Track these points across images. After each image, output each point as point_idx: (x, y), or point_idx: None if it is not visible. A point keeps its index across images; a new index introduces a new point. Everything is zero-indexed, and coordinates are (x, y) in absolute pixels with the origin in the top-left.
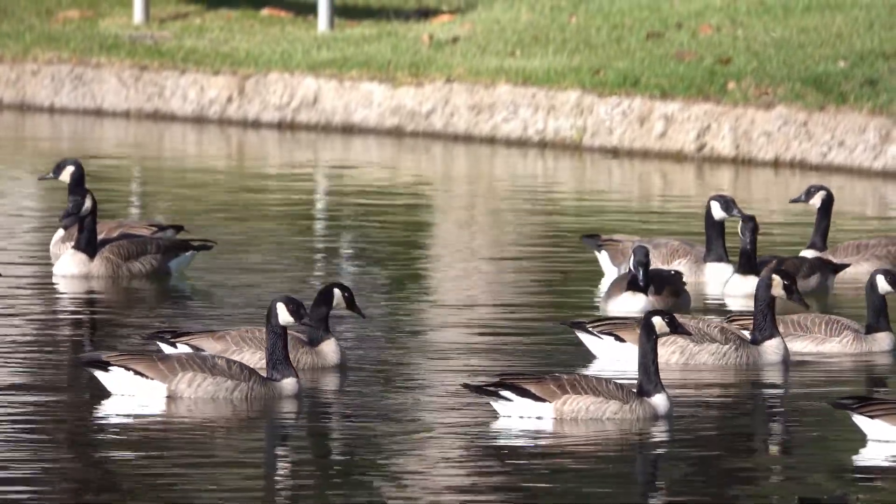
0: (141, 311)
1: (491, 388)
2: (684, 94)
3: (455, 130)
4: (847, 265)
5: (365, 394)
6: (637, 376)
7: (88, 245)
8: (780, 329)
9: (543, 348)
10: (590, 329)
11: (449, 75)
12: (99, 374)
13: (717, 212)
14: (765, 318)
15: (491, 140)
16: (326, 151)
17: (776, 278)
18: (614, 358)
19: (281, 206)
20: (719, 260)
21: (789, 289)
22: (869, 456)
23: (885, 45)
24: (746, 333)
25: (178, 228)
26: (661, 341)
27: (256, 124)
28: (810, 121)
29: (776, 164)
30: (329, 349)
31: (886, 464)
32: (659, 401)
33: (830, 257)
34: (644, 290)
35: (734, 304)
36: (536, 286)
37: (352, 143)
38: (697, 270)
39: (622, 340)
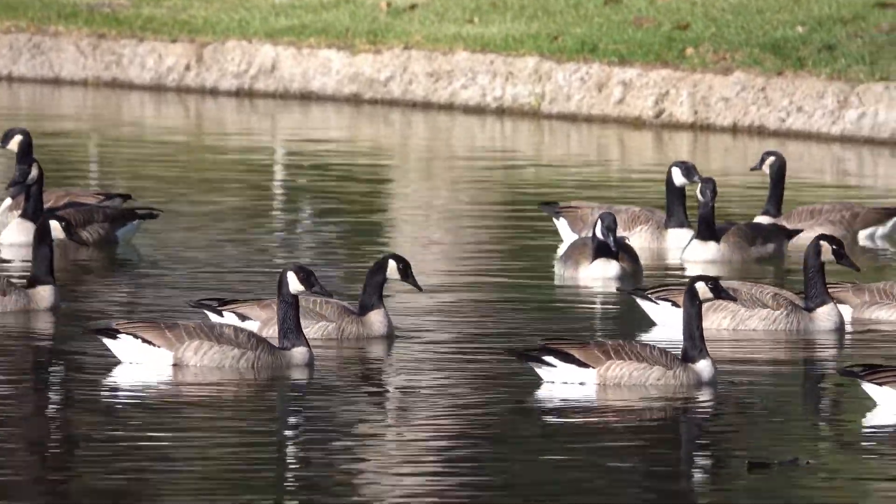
0: (89, 280)
1: (534, 354)
2: (642, 60)
3: (413, 98)
4: (801, 231)
5: (390, 364)
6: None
7: (35, 214)
8: (866, 297)
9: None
10: (648, 296)
11: (407, 42)
12: (108, 341)
13: (678, 178)
14: (815, 284)
15: (449, 107)
16: (284, 119)
17: (824, 244)
18: (672, 324)
19: (238, 175)
20: (681, 226)
21: (838, 253)
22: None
23: (842, 11)
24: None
25: (126, 197)
26: (711, 307)
27: (214, 92)
28: (768, 86)
29: (734, 129)
30: (377, 319)
31: None
32: (703, 367)
33: (784, 223)
34: (616, 257)
35: (693, 270)
36: (496, 256)
37: (310, 111)
38: (659, 236)
39: (679, 306)
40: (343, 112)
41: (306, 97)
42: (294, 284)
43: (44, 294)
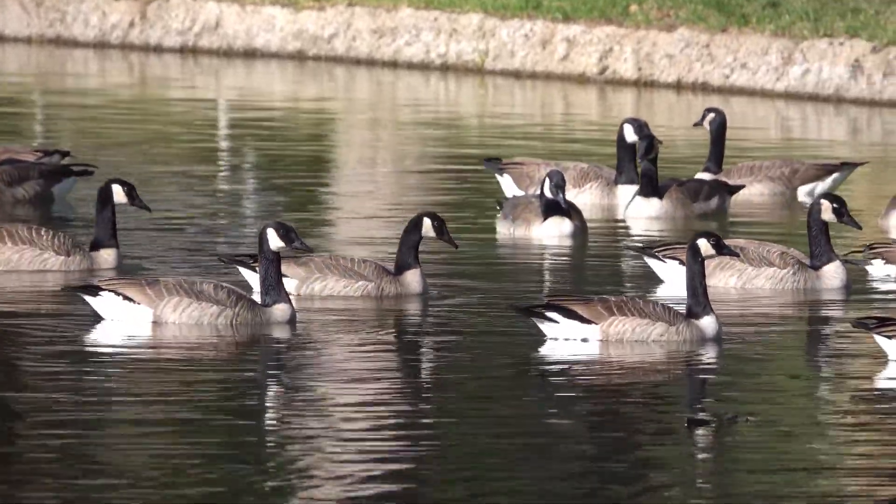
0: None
1: (538, 310)
2: (586, 16)
3: (357, 54)
4: (742, 186)
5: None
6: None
7: None
8: None
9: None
10: (655, 254)
11: None
12: (89, 298)
13: (630, 135)
14: (819, 243)
15: (393, 64)
16: (228, 76)
17: (825, 202)
18: (679, 282)
19: (182, 133)
20: (631, 182)
21: (839, 212)
22: None
23: None
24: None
25: (64, 154)
26: (719, 265)
27: (158, 49)
28: (712, 43)
29: (678, 86)
30: (413, 278)
31: None
32: (707, 323)
33: (725, 179)
34: (568, 214)
35: (636, 226)
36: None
37: (254, 68)
38: (610, 193)
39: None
40: (287, 69)
41: (250, 54)
42: (274, 241)
43: (107, 257)
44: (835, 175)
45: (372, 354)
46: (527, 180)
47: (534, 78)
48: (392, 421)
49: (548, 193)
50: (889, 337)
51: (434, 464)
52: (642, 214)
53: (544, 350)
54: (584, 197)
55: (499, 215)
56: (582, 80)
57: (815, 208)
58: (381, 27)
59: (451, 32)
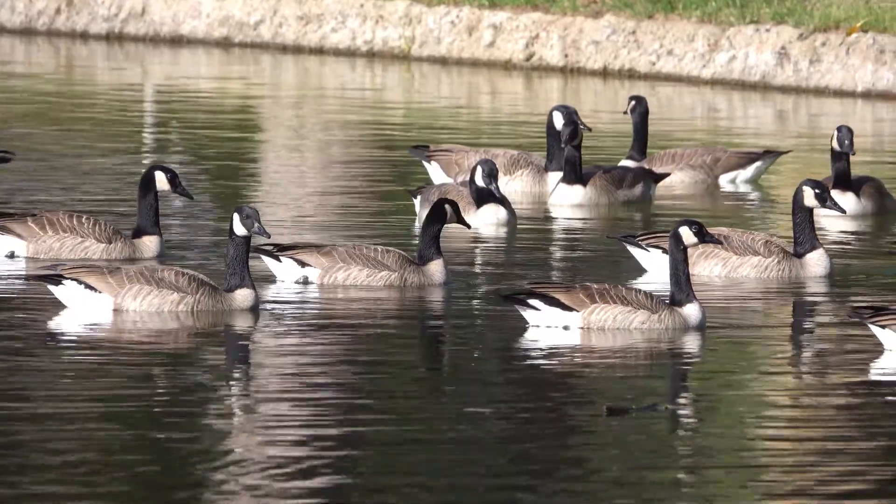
0: None
1: (520, 297)
2: (513, 3)
3: (283, 41)
4: (667, 174)
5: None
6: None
7: None
8: None
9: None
10: (638, 242)
11: None
12: (52, 287)
13: (559, 122)
14: (803, 230)
15: (319, 50)
16: (155, 63)
17: (807, 188)
18: (661, 271)
19: (108, 120)
20: (562, 169)
21: (821, 197)
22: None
23: None
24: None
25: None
26: (703, 254)
27: (85, 36)
28: (639, 29)
29: (605, 73)
30: (436, 269)
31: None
32: (690, 310)
33: (648, 166)
34: (502, 202)
35: (560, 213)
36: (364, 198)
37: (180, 55)
38: (540, 180)
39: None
40: (213, 56)
41: (176, 41)
42: (238, 226)
43: (149, 244)
44: (757, 163)
45: (328, 346)
46: (455, 168)
47: (460, 64)
48: (332, 410)
49: (480, 182)
50: (884, 326)
51: (361, 463)
52: (566, 202)
53: (520, 337)
54: (515, 184)
55: (416, 202)
56: (508, 66)
57: (798, 195)
58: (307, 14)
59: (378, 19)
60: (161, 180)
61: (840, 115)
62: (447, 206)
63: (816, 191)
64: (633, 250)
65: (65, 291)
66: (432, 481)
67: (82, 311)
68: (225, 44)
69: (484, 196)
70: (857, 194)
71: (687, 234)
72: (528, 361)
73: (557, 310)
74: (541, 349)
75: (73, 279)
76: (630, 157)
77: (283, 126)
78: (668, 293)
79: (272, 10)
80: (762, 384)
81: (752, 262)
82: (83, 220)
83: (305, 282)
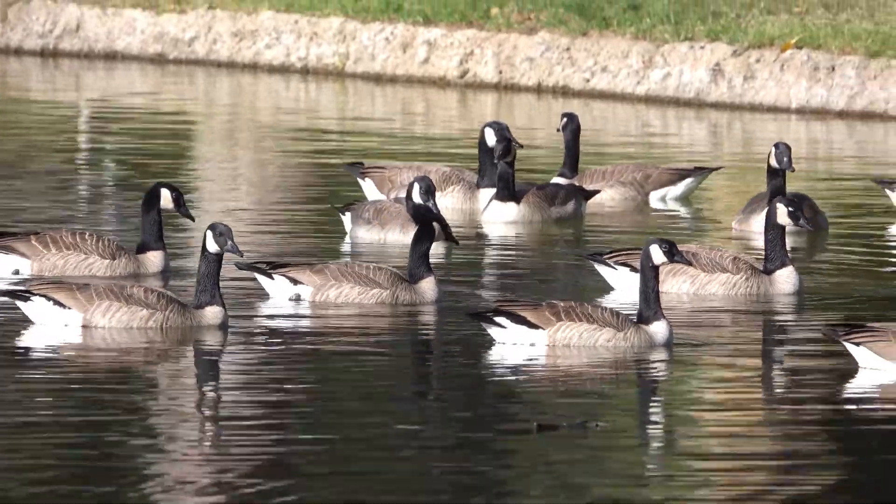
0: None
1: (487, 315)
2: (447, 20)
3: (218, 57)
4: (598, 191)
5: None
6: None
7: None
8: None
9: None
10: (606, 261)
11: (211, 2)
12: (20, 303)
13: (491, 138)
14: (775, 247)
15: (254, 67)
16: (89, 79)
17: (780, 206)
18: (630, 289)
19: (42, 136)
20: (493, 185)
21: (794, 215)
22: (858, 385)
23: None
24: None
25: None
26: (671, 271)
27: (19, 52)
28: (573, 46)
29: (539, 89)
30: (428, 286)
31: (872, 392)
32: (657, 328)
33: (578, 183)
34: (439, 220)
35: (493, 230)
36: (300, 219)
37: (115, 71)
38: (472, 196)
39: (637, 271)
40: (147, 72)
41: (111, 57)
42: (211, 244)
43: (153, 259)
44: (688, 180)
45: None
46: (388, 184)
47: (394, 81)
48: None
49: (417, 199)
50: (858, 344)
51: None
52: (499, 219)
53: (485, 355)
54: (447, 200)
55: (345, 219)
56: (443, 83)
57: (771, 212)
58: (241, 30)
59: (312, 35)
60: (166, 198)
61: (774, 131)
62: (435, 225)
63: (790, 209)
64: (602, 269)
65: (33, 308)
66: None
67: (50, 328)
68: (159, 60)
69: (422, 213)
70: None
71: (656, 253)
72: (488, 378)
73: (524, 328)
74: (501, 367)
75: (41, 295)
76: (561, 174)
77: (217, 142)
78: (636, 311)
79: (206, 26)
80: (709, 402)
81: (720, 279)
82: (86, 236)
83: (298, 299)
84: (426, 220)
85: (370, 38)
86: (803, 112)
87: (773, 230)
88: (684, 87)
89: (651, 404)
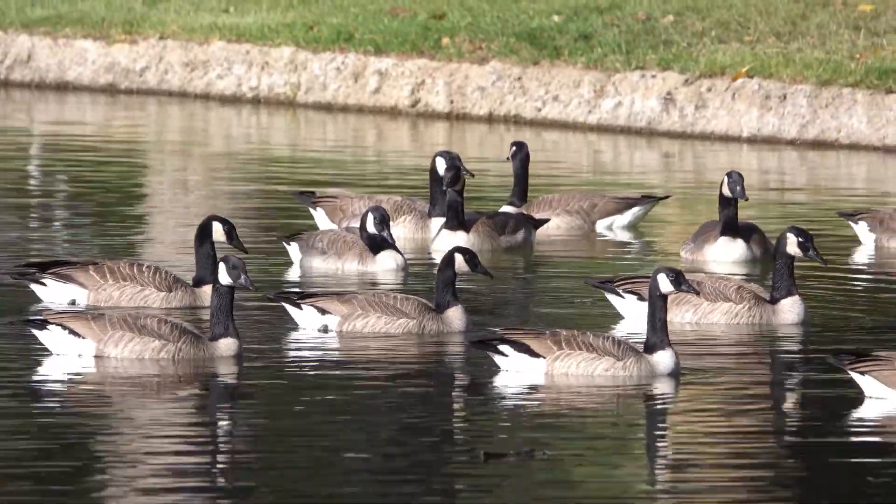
0: None
1: (491, 343)
2: (398, 49)
3: (169, 87)
4: (547, 220)
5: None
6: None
7: None
8: None
9: None
10: (615, 289)
11: (163, 32)
12: (37, 332)
13: (442, 167)
14: (782, 276)
15: (205, 97)
16: (41, 110)
17: (791, 236)
18: (638, 317)
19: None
20: (444, 215)
21: (804, 246)
22: (863, 414)
23: (598, 0)
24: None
25: None
26: (675, 300)
27: None
28: (525, 76)
29: (490, 119)
30: (455, 315)
31: (880, 421)
32: (660, 358)
33: (527, 212)
34: (395, 248)
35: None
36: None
37: (66, 101)
38: (423, 225)
39: (644, 299)
40: (99, 102)
41: (62, 87)
42: (223, 276)
43: (209, 293)
44: (634, 209)
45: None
46: (340, 214)
47: (346, 111)
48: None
49: (372, 229)
50: (864, 373)
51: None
52: (448, 247)
53: (483, 382)
54: (399, 230)
55: (291, 249)
56: (394, 112)
57: (781, 241)
58: (192, 60)
59: (263, 65)
60: (217, 231)
61: (726, 160)
62: (457, 255)
63: (800, 239)
64: (610, 297)
65: (49, 336)
66: None
67: (65, 357)
68: (111, 90)
69: (377, 242)
70: (747, 241)
71: (664, 282)
72: (469, 408)
73: (525, 356)
74: (492, 396)
75: (57, 324)
76: (511, 203)
77: (168, 172)
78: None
79: (158, 56)
80: (679, 431)
81: (722, 308)
82: (143, 268)
83: (326, 330)
84: (451, 252)
85: (321, 68)
86: (755, 141)
87: (782, 259)
88: (636, 116)
89: (615, 435)
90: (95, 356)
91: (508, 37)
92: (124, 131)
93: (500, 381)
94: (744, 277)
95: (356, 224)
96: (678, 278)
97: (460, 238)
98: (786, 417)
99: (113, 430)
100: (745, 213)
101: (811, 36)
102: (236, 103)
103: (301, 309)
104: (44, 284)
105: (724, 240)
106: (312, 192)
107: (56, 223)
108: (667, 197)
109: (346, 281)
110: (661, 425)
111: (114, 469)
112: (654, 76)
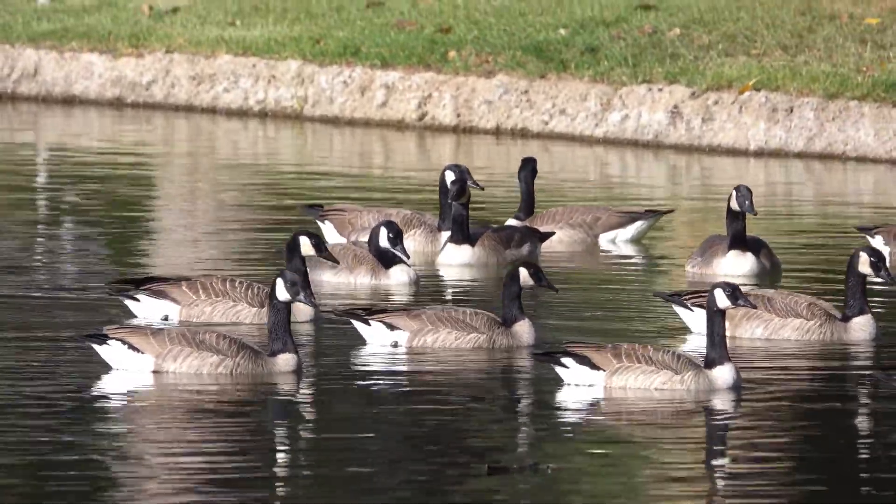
0: None
1: (554, 355)
2: (405, 63)
3: (176, 101)
4: (552, 233)
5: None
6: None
7: None
8: None
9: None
10: (684, 302)
11: (169, 46)
12: (97, 347)
13: (452, 181)
14: (854, 294)
15: (212, 110)
16: (48, 125)
17: (863, 255)
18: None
19: (1, 179)
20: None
21: (876, 266)
22: None
23: (605, 13)
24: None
25: None
26: (745, 315)
27: None
28: (531, 89)
29: (497, 132)
30: (523, 329)
31: None
32: (719, 373)
33: (531, 225)
34: (406, 263)
35: (448, 273)
36: (257, 258)
37: (72, 115)
38: (433, 239)
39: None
40: (105, 116)
41: (69, 101)
42: (282, 292)
43: (303, 308)
44: (638, 223)
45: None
46: (348, 227)
47: (353, 125)
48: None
49: (384, 243)
50: (692, 308)
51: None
52: (454, 262)
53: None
54: (408, 244)
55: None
56: (401, 126)
57: (853, 260)
58: (199, 74)
59: (270, 79)
60: (306, 245)
61: (733, 173)
62: (522, 270)
63: (872, 259)
64: (680, 310)
65: (109, 351)
66: None
67: (124, 372)
68: (117, 104)
69: (389, 257)
70: (756, 255)
71: (720, 297)
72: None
73: (586, 368)
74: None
75: (117, 339)
76: (516, 217)
77: (176, 186)
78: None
79: (164, 70)
80: (736, 446)
81: (793, 324)
82: (236, 283)
83: (396, 346)
84: (515, 266)
85: (328, 82)
86: (762, 154)
87: (854, 278)
88: (643, 130)
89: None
90: (154, 371)
91: (515, 50)
92: (131, 145)
93: (561, 397)
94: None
95: (365, 238)
96: (735, 293)
97: (466, 252)
98: (850, 433)
99: (169, 443)
100: (752, 225)
101: (818, 49)
102: (243, 117)
103: (370, 325)
104: (137, 300)
105: (733, 253)
106: (320, 206)
107: (64, 238)
108: (671, 211)
109: (358, 295)
110: (719, 438)
111: (170, 483)
112: (660, 89)
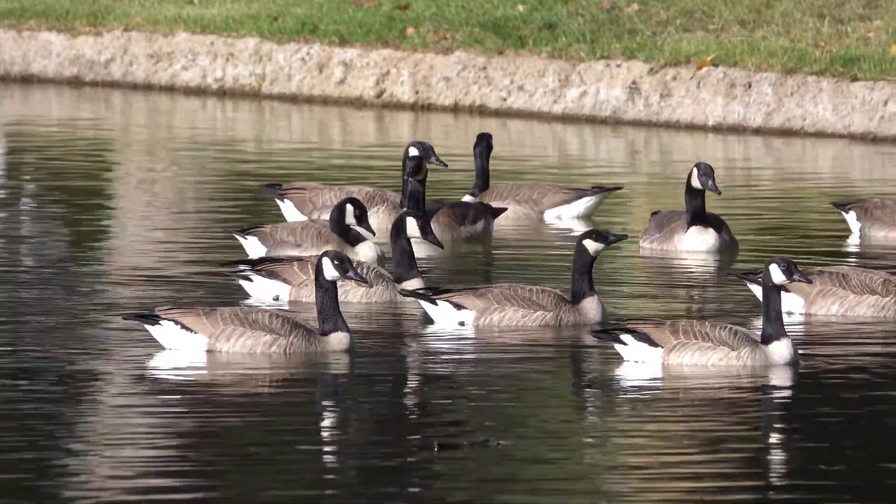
0: None
1: (613, 333)
2: (363, 40)
3: (134, 79)
4: (505, 209)
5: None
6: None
7: None
8: None
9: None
10: (756, 279)
11: (127, 24)
12: (149, 327)
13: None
14: None
15: (170, 89)
16: (5, 103)
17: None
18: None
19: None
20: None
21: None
22: None
23: None
24: None
25: None
26: (819, 292)
27: None
28: (489, 66)
29: (455, 109)
30: (591, 306)
31: None
32: (776, 348)
33: (483, 201)
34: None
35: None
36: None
37: (31, 94)
38: (396, 216)
39: (787, 291)
40: (64, 95)
41: (27, 80)
42: (329, 271)
43: (409, 287)
44: (584, 199)
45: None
46: (309, 205)
47: (311, 102)
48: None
49: (350, 220)
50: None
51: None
52: (409, 237)
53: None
54: (371, 221)
55: (245, 242)
56: (359, 103)
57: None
58: (157, 52)
59: (228, 56)
60: (412, 226)
61: (691, 148)
62: (588, 241)
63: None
64: (753, 287)
65: (162, 331)
66: None
67: (177, 351)
68: (75, 83)
69: (353, 234)
70: (718, 231)
71: (776, 272)
72: (495, 392)
73: (644, 345)
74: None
75: (170, 319)
76: (472, 194)
77: (135, 165)
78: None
79: (122, 48)
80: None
81: (868, 301)
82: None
83: (463, 325)
84: (581, 237)
85: (286, 59)
86: (720, 129)
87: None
88: (601, 106)
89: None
90: (207, 351)
91: (473, 26)
92: (89, 124)
93: (620, 371)
94: (719, 267)
95: (326, 216)
96: (790, 268)
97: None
98: None
99: (224, 423)
100: (719, 202)
101: (776, 24)
102: (201, 95)
103: (436, 304)
104: (251, 280)
105: (695, 229)
106: (279, 184)
107: (22, 218)
108: (619, 188)
109: None
110: (777, 415)
111: (225, 466)
112: (618, 65)
